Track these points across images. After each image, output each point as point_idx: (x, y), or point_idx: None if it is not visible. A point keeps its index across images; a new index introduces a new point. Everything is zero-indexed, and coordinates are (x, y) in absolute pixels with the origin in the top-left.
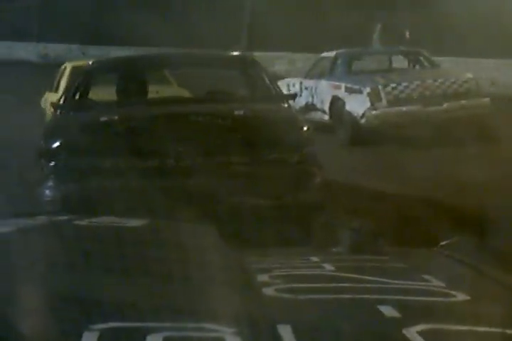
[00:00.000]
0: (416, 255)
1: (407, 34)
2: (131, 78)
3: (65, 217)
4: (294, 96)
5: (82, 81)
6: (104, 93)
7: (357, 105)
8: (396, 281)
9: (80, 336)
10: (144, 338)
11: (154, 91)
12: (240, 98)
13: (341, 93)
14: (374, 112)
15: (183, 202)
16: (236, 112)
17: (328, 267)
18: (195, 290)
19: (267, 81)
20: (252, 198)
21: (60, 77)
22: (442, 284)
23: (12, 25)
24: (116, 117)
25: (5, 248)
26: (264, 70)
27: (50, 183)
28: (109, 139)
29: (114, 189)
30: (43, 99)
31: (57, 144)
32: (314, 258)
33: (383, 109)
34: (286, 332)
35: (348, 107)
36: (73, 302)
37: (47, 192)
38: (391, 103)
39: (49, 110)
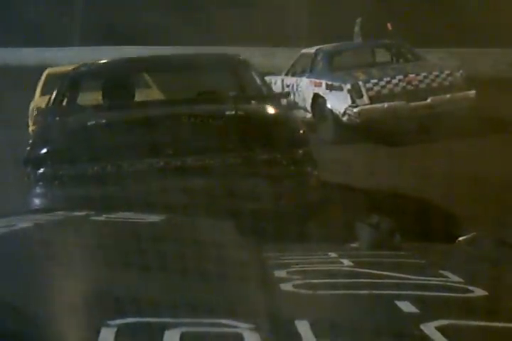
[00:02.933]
0: (434, 250)
1: (389, 26)
2: (118, 81)
3: (83, 213)
4: (287, 95)
5: (68, 85)
6: (91, 97)
7: (338, 102)
8: (414, 277)
9: (98, 331)
10: (162, 333)
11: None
12: (232, 98)
13: (322, 90)
14: (355, 109)
15: (177, 206)
16: (228, 112)
17: (346, 262)
18: (213, 286)
19: (258, 80)
20: (250, 200)
21: (38, 84)
22: (460, 280)
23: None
24: (104, 121)
25: (23, 243)
26: (254, 69)
27: (38, 191)
28: (98, 144)
29: (105, 195)
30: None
31: (44, 151)
32: (332, 254)
33: (365, 105)
34: (304, 327)
35: (329, 105)
36: (91, 297)
37: (35, 200)
38: (373, 99)
39: (28, 118)
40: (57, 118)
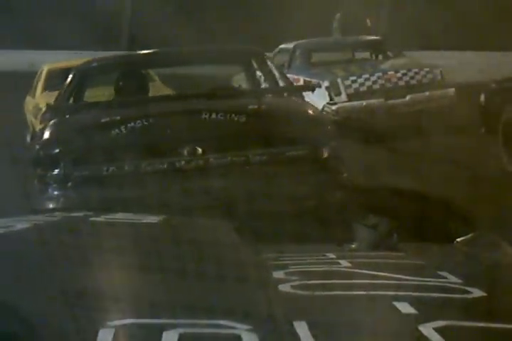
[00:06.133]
0: (432, 251)
1: (368, 22)
2: (130, 76)
3: (82, 213)
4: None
5: (77, 81)
6: (99, 92)
7: (316, 99)
8: (412, 278)
9: (96, 332)
10: (160, 334)
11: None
12: (253, 92)
13: None
14: (333, 107)
15: (200, 206)
16: (251, 107)
17: (344, 263)
18: (211, 287)
19: (277, 73)
20: (278, 199)
21: (37, 80)
22: (459, 280)
23: None
24: (119, 118)
25: (21, 244)
26: (272, 62)
27: (51, 193)
28: (114, 143)
29: (123, 198)
30: (25, 103)
31: (57, 150)
32: (330, 255)
33: (343, 103)
34: (302, 328)
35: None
36: (89, 298)
37: (48, 203)
38: (351, 97)
39: (29, 114)
40: (68, 115)
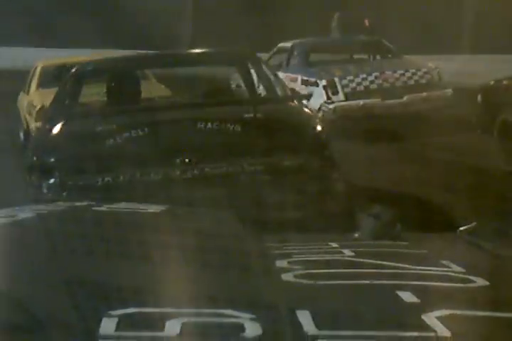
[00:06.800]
0: (435, 240)
1: (367, 22)
2: (125, 79)
3: (85, 203)
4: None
5: (72, 85)
6: (94, 91)
7: (313, 98)
8: (415, 267)
9: (99, 322)
10: (163, 324)
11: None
12: (249, 100)
13: (298, 86)
14: (330, 106)
15: None
16: (246, 116)
17: (347, 253)
18: (214, 276)
19: (272, 77)
20: (273, 209)
21: (31, 78)
22: (461, 270)
23: None
24: (114, 127)
25: (25, 234)
26: (266, 66)
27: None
28: (109, 152)
29: None
30: (18, 100)
31: (52, 159)
32: (333, 244)
33: (340, 102)
34: (305, 317)
35: (304, 100)
36: (92, 288)
37: None
38: (348, 96)
39: (23, 111)
40: (63, 122)
